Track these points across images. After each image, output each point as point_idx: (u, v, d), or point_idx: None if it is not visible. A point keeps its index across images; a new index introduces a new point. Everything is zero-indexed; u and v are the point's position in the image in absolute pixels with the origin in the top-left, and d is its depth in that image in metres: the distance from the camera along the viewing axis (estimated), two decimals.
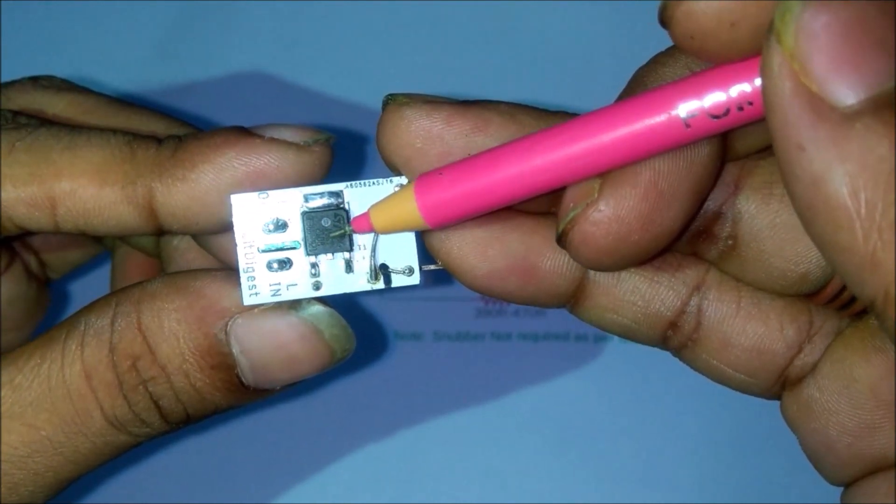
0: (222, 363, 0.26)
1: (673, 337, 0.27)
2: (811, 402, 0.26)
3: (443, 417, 0.41)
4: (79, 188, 0.26)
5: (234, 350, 0.26)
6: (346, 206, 0.26)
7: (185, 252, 0.33)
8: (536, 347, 0.42)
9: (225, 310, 0.26)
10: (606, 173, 0.23)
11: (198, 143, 0.26)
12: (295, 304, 0.26)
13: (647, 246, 0.23)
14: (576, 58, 0.44)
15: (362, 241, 0.26)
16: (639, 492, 0.40)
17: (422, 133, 0.24)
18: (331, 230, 0.26)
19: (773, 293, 0.26)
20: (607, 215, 0.23)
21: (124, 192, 0.26)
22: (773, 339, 0.26)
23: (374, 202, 0.25)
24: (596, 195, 0.23)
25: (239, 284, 0.26)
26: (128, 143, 0.27)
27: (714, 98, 0.20)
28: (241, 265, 0.26)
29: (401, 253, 0.26)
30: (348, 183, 0.26)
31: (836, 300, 0.26)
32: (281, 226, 0.26)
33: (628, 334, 0.27)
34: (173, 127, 0.31)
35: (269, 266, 0.26)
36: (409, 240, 0.26)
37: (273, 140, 0.26)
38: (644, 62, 0.24)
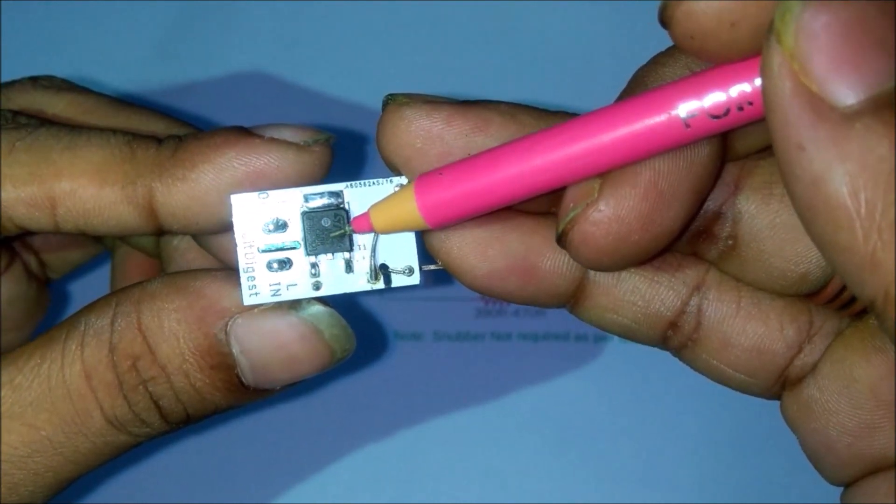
0: (222, 363, 0.26)
1: (673, 337, 0.26)
2: (811, 402, 0.26)
3: (443, 417, 0.41)
4: (79, 188, 0.26)
5: (234, 350, 0.26)
6: (346, 206, 0.26)
7: (185, 252, 0.33)
8: (536, 347, 0.42)
9: (225, 310, 0.26)
10: (606, 173, 0.23)
11: (198, 143, 0.26)
12: (295, 304, 0.26)
13: (647, 246, 0.23)
14: (576, 58, 0.44)
15: (362, 241, 0.26)
16: (639, 492, 0.40)
17: (422, 133, 0.24)
18: (331, 230, 0.26)
19: (773, 293, 0.26)
20: (607, 215, 0.23)
21: (124, 192, 0.26)
22: (773, 339, 0.26)
23: (374, 202, 0.25)
24: (596, 195, 0.23)
25: (239, 284, 0.26)
26: (128, 143, 0.27)
27: (714, 98, 0.20)
28: (241, 265, 0.25)
29: (401, 253, 0.26)
30: (348, 183, 0.26)
31: (836, 300, 0.26)
32: (281, 226, 0.26)
33: (628, 334, 0.27)
34: (173, 127, 0.31)
35: (269, 266, 0.26)
36: (409, 240, 0.26)
37: (273, 140, 0.26)
38: (644, 62, 0.24)
